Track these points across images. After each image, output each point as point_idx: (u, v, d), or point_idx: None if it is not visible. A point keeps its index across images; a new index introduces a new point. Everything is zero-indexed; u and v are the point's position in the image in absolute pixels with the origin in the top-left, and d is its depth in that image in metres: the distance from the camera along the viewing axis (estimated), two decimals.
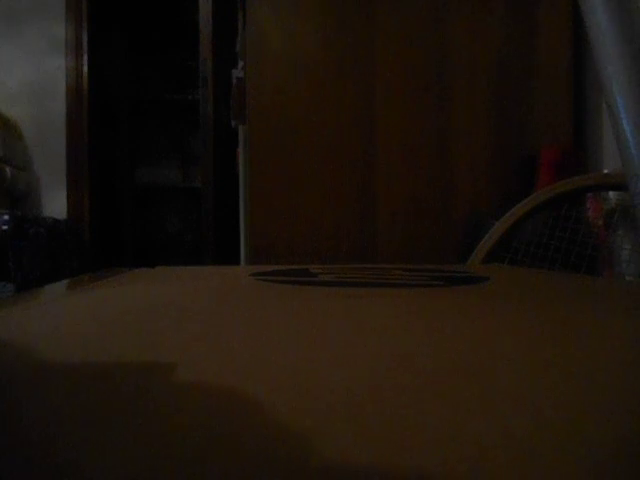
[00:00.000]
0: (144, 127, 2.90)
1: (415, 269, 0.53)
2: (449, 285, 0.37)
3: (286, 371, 0.14)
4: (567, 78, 1.15)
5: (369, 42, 1.12)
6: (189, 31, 2.74)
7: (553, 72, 1.15)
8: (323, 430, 0.10)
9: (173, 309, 0.26)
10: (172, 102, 2.83)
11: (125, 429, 0.10)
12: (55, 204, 2.35)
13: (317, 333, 0.20)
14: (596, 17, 0.50)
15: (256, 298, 0.31)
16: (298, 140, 1.11)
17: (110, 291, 0.35)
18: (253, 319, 0.23)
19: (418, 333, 0.20)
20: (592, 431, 0.10)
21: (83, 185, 2.37)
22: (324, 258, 1.10)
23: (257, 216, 1.10)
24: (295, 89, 1.11)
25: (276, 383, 0.13)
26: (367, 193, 1.12)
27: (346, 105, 1.11)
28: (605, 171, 0.98)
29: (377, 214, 1.12)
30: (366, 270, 0.51)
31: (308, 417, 0.11)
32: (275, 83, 1.10)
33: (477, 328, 0.21)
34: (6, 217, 1.75)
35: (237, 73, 1.32)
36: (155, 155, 2.92)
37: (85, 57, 2.36)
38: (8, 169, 2.07)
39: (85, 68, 2.36)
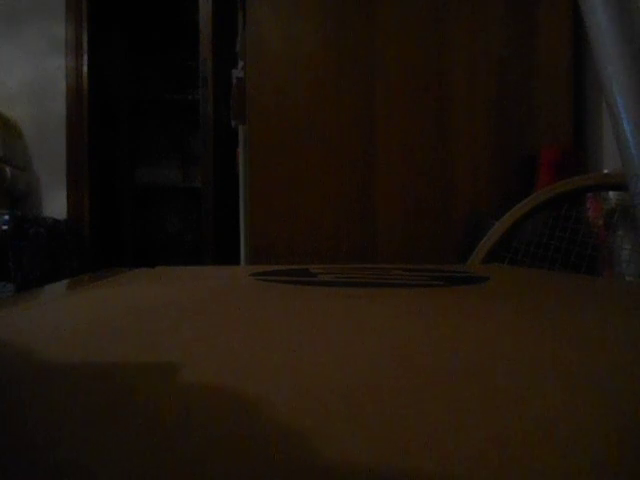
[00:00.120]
0: (144, 127, 2.90)
1: (415, 269, 0.53)
2: (449, 285, 0.37)
3: (286, 371, 0.14)
4: (567, 78, 1.15)
5: (369, 42, 1.12)
6: (189, 31, 2.74)
7: (553, 72, 1.15)
8: (323, 430, 0.10)
9: (173, 309, 0.26)
10: (172, 102, 2.83)
11: (125, 429, 0.10)
12: (55, 204, 2.35)
13: (317, 333, 0.20)
14: (596, 17, 0.50)
15: (256, 298, 0.31)
16: (298, 140, 1.11)
17: (110, 291, 0.35)
18: (253, 319, 0.23)
19: (418, 333, 0.20)
20: (592, 432, 0.10)
21: (83, 185, 2.37)
22: (324, 258, 1.10)
23: (257, 216, 1.10)
24: (295, 89, 1.11)
25: (276, 383, 0.13)
26: (367, 193, 1.12)
27: (346, 105, 1.11)
28: (605, 171, 0.98)
29: (377, 214, 1.12)
30: (366, 270, 0.51)
31: (308, 417, 0.11)
32: (275, 83, 1.10)
33: (477, 328, 0.21)
34: (6, 217, 1.75)
35: (237, 73, 1.32)
36: (155, 155, 2.92)
37: (85, 57, 2.36)
38: (8, 169, 2.07)
39: (85, 68, 2.36)
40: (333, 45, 1.11)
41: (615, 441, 0.10)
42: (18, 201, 2.28)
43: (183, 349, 0.17)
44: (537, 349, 0.17)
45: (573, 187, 0.82)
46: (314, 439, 0.10)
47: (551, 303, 0.29)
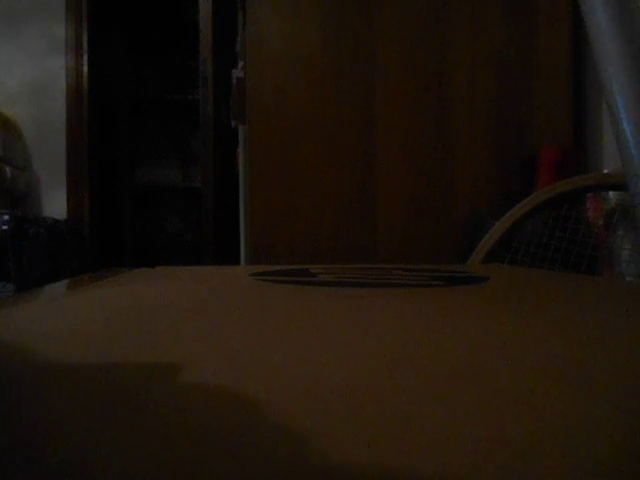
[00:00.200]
0: (144, 127, 2.90)
1: (415, 269, 0.53)
2: (449, 285, 0.37)
3: (286, 371, 0.14)
4: (567, 78, 1.15)
5: (369, 42, 1.12)
6: (189, 31, 2.74)
7: (553, 72, 1.15)
8: (323, 430, 0.10)
9: (173, 309, 0.26)
10: (172, 102, 2.83)
11: (125, 429, 0.10)
12: (55, 204, 2.35)
13: (317, 333, 0.20)
14: (596, 17, 0.50)
15: (256, 298, 0.31)
16: (298, 140, 1.11)
17: (110, 291, 0.35)
18: (253, 319, 0.23)
19: (418, 333, 0.20)
20: (592, 432, 0.10)
21: (83, 185, 2.37)
22: (324, 258, 1.10)
23: (257, 216, 1.10)
24: (295, 89, 1.11)
25: (276, 383, 0.13)
26: (367, 193, 1.12)
27: (346, 105, 1.11)
28: (605, 171, 0.98)
29: (377, 214, 1.12)
30: (366, 270, 0.51)
31: (308, 417, 0.11)
32: (275, 83, 1.10)
33: (477, 328, 0.21)
34: (6, 217, 1.75)
35: (237, 73, 1.32)
36: (155, 155, 2.92)
37: (85, 57, 2.36)
38: (8, 169, 2.07)
39: (85, 68, 2.36)
40: (333, 45, 1.11)
41: (615, 441, 0.10)
42: (18, 201, 2.28)
43: (183, 349, 0.17)
44: (537, 349, 0.17)
45: (573, 187, 0.82)
46: (314, 439, 0.10)
47: (551, 303, 0.29)
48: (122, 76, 2.81)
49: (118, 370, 0.14)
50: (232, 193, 2.11)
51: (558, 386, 0.13)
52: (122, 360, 0.16)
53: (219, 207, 2.54)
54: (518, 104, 1.15)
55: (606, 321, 0.23)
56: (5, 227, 1.74)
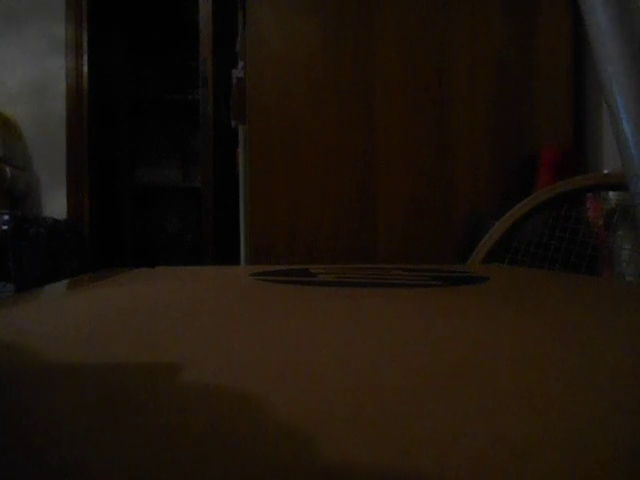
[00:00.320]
0: (144, 127, 2.90)
1: (415, 269, 0.53)
2: (449, 285, 0.37)
3: (286, 371, 0.14)
4: (567, 78, 1.15)
5: (369, 42, 1.12)
6: (189, 31, 2.74)
7: (553, 72, 1.15)
8: (323, 430, 0.10)
9: (173, 309, 0.26)
10: (172, 102, 2.83)
11: (125, 429, 0.10)
12: (55, 204, 2.35)
13: (317, 333, 0.20)
14: (596, 17, 0.50)
15: (256, 298, 0.31)
16: (298, 140, 1.11)
17: (110, 291, 0.35)
18: (253, 319, 0.23)
19: (418, 333, 0.20)
20: (592, 432, 0.10)
21: (83, 185, 2.37)
22: (324, 258, 1.10)
23: (257, 216, 1.10)
24: (295, 89, 1.11)
25: (276, 383, 0.13)
26: (367, 193, 1.12)
27: (346, 105, 1.11)
28: (605, 171, 0.98)
29: (377, 214, 1.12)
30: (366, 270, 0.51)
31: (308, 417, 0.11)
32: (275, 83, 1.10)
33: (477, 328, 0.21)
34: (6, 217, 1.75)
35: (237, 73, 1.32)
36: (155, 155, 2.92)
37: (85, 57, 2.36)
38: (8, 169, 2.07)
39: (85, 68, 2.36)
40: (333, 45, 1.11)
41: (615, 441, 0.10)
42: (18, 201, 2.28)
43: (183, 349, 0.17)
44: (537, 349, 0.17)
45: (573, 187, 0.82)
46: (314, 439, 0.10)
47: (551, 303, 0.29)
48: (122, 76, 2.81)
49: (118, 370, 0.14)
50: (232, 193, 2.11)
51: (558, 386, 0.13)
52: (122, 360, 0.16)
53: (219, 207, 2.54)
54: (518, 104, 1.15)
55: (606, 321, 0.23)
56: (5, 227, 1.74)
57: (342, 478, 0.08)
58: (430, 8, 1.12)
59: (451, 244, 1.12)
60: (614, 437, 0.10)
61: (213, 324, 0.22)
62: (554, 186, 0.84)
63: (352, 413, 0.11)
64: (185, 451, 0.09)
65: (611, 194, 0.87)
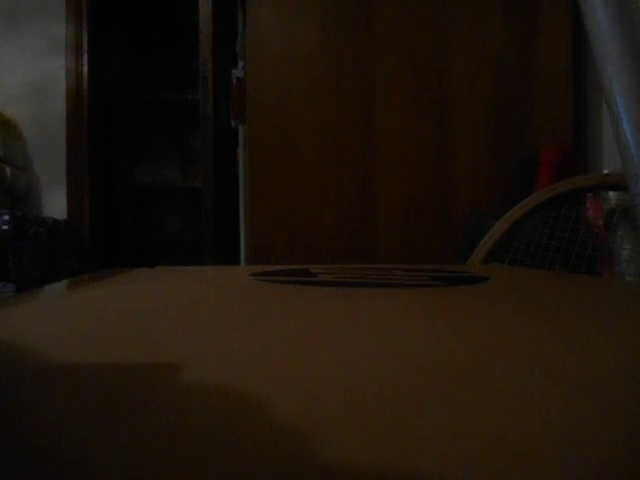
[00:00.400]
0: (144, 127, 2.90)
1: (415, 269, 0.53)
2: (449, 285, 0.37)
3: (286, 371, 0.14)
4: (567, 78, 1.15)
5: (369, 42, 1.12)
6: (189, 31, 2.74)
7: (553, 72, 1.15)
8: (323, 430, 0.10)
9: (173, 309, 0.26)
10: (172, 102, 2.83)
11: (125, 429, 0.10)
12: (55, 204, 2.35)
13: (317, 333, 0.20)
14: (596, 17, 0.50)
15: (256, 298, 0.31)
16: (298, 140, 1.11)
17: (110, 291, 0.35)
18: (253, 319, 0.23)
19: (418, 333, 0.20)
20: (592, 432, 0.10)
21: (83, 185, 2.37)
22: (324, 258, 1.10)
23: (257, 216, 1.10)
24: (295, 89, 1.11)
25: (276, 383, 0.13)
26: (367, 193, 1.12)
27: (346, 105, 1.11)
28: (605, 171, 0.98)
29: (377, 214, 1.12)
30: (366, 270, 0.51)
31: (308, 417, 0.11)
32: (275, 83, 1.10)
33: (477, 328, 0.21)
34: (6, 217, 1.75)
35: (237, 73, 1.32)
36: (155, 155, 2.92)
37: (85, 57, 2.36)
38: (8, 169, 2.07)
39: (85, 68, 2.36)
40: (333, 45, 1.11)
41: (615, 441, 0.10)
42: (18, 201, 2.28)
43: (183, 349, 0.17)
44: (537, 349, 0.17)
45: (573, 187, 0.82)
46: (314, 439, 0.10)
47: (551, 303, 0.29)
48: (122, 76, 2.81)
49: (118, 370, 0.14)
50: (232, 193, 2.11)
51: (558, 386, 0.13)
52: (122, 360, 0.16)
53: (219, 207, 2.54)
54: (518, 104, 1.15)
55: (606, 321, 0.23)
56: (5, 227, 1.74)
57: (342, 478, 0.08)
58: (430, 8, 1.12)
59: (451, 244, 1.12)
60: (614, 437, 0.10)
61: (213, 324, 0.22)
62: (554, 186, 0.84)
63: (352, 413, 0.11)
64: (185, 451, 0.09)
65: (611, 194, 0.87)
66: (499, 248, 0.85)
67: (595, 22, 0.50)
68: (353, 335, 0.19)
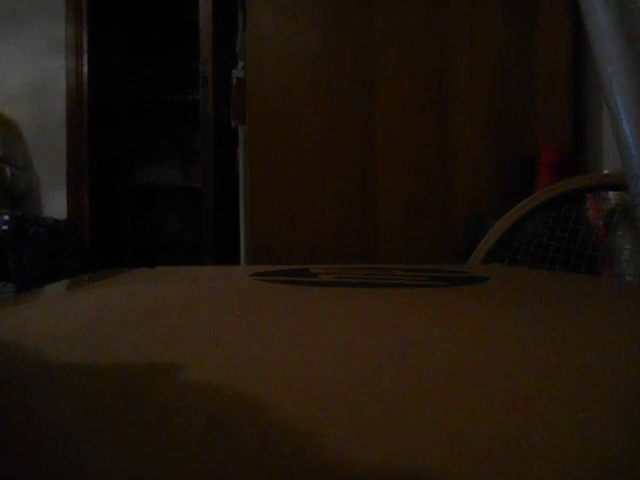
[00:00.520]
0: (144, 127, 2.90)
1: (415, 269, 0.53)
2: (449, 285, 0.37)
3: (286, 371, 0.14)
4: (567, 78, 1.15)
5: (369, 42, 1.12)
6: (189, 31, 2.74)
7: (553, 72, 1.15)
8: (323, 430, 0.10)
9: (173, 309, 0.26)
10: (172, 102, 2.83)
11: (125, 429, 0.10)
12: (55, 204, 2.35)
13: (317, 333, 0.20)
14: (596, 17, 0.50)
15: (256, 298, 0.31)
16: (298, 140, 1.11)
17: (110, 291, 0.35)
18: (253, 319, 0.23)
19: (418, 333, 0.20)
20: (592, 432, 0.10)
21: (83, 185, 2.37)
22: (324, 258, 1.10)
23: (257, 216, 1.10)
24: (295, 89, 1.11)
25: (276, 383, 0.13)
26: (367, 193, 1.12)
27: (346, 105, 1.11)
28: (605, 171, 0.98)
29: (377, 214, 1.12)
30: (366, 270, 0.51)
31: (308, 417, 0.11)
32: (275, 83, 1.10)
33: (477, 328, 0.21)
34: (6, 217, 1.75)
35: (237, 73, 1.32)
36: (155, 155, 2.92)
37: (85, 57, 2.36)
38: (8, 169, 2.07)
39: (85, 68, 2.36)
40: (333, 45, 1.11)
41: (615, 441, 0.10)
42: (18, 201, 2.28)
43: (183, 349, 0.17)
44: (537, 349, 0.17)
45: (573, 187, 0.82)
46: (314, 439, 0.10)
47: (551, 303, 0.29)
48: (122, 76, 2.81)
49: (118, 370, 0.14)
50: (232, 193, 2.11)
51: (558, 386, 0.13)
52: (122, 360, 0.16)
53: (219, 207, 2.54)
54: (518, 104, 1.15)
55: (606, 321, 0.23)
56: (5, 227, 1.74)
57: (342, 478, 0.08)
58: (430, 8, 1.12)
59: (451, 244, 1.12)
60: (614, 437, 0.10)
61: (213, 324, 0.22)
62: (554, 186, 0.84)
63: (352, 413, 0.11)
64: (185, 451, 0.09)
65: (611, 194, 0.87)
66: (499, 248, 0.85)
67: (595, 22, 0.50)
68: (353, 335, 0.19)
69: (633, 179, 0.49)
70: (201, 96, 2.50)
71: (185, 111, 2.84)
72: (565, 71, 1.15)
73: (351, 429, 0.10)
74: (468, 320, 0.23)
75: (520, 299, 0.31)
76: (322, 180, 1.11)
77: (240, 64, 1.38)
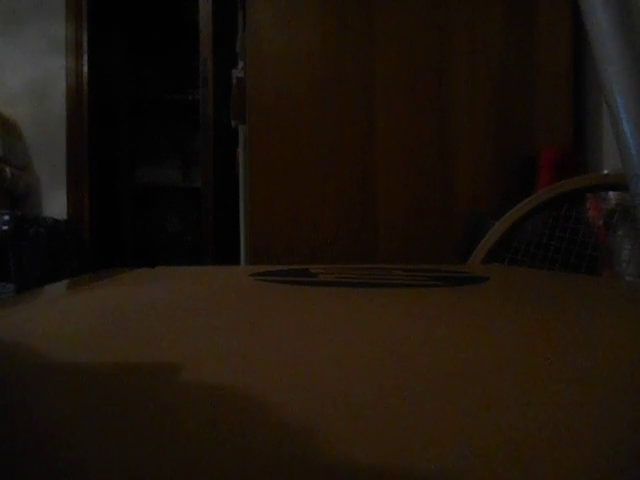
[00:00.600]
0: (144, 127, 2.90)
1: (415, 269, 0.53)
2: (449, 285, 0.37)
3: (286, 371, 0.14)
4: (567, 78, 1.15)
5: (369, 42, 1.12)
6: (189, 31, 2.74)
7: (553, 72, 1.15)
8: (323, 430, 0.10)
9: (173, 309, 0.26)
10: (172, 102, 2.83)
11: (125, 429, 0.10)
12: (55, 204, 2.35)
13: (317, 333, 0.20)
14: (596, 17, 0.50)
15: (256, 298, 0.31)
16: (298, 140, 1.11)
17: (110, 291, 0.35)
18: (253, 319, 0.23)
19: (418, 333, 0.20)
20: (592, 432, 0.10)
21: (83, 185, 2.37)
22: (324, 258, 1.10)
23: (257, 216, 1.10)
24: (295, 89, 1.11)
25: (276, 383, 0.13)
26: (367, 193, 1.12)
27: (346, 105, 1.11)
28: (605, 171, 0.98)
29: (377, 214, 1.12)
30: (366, 270, 0.51)
31: (308, 417, 0.11)
32: (275, 83, 1.10)
33: (477, 328, 0.21)
34: (6, 217, 1.75)
35: (237, 73, 1.32)
36: (155, 155, 2.92)
37: (85, 57, 2.36)
38: (8, 169, 2.07)
39: (85, 68, 2.36)
40: (333, 45, 1.11)
41: (615, 441, 0.10)
42: (18, 201, 2.28)
43: (183, 349, 0.17)
44: (537, 349, 0.17)
45: (573, 187, 0.82)
46: (314, 439, 0.10)
47: (551, 303, 0.29)
48: (122, 76, 2.81)
49: (118, 370, 0.14)
50: (232, 193, 2.11)
51: (558, 386, 0.13)
52: (122, 360, 0.16)
53: (219, 207, 2.54)
54: (518, 104, 1.15)
55: (606, 321, 0.23)
56: (5, 227, 1.74)
57: (342, 477, 0.08)
58: (430, 8, 1.12)
59: (451, 244, 1.12)
60: (614, 437, 0.10)
61: (213, 324, 0.22)
62: (554, 186, 0.84)
63: (352, 413, 0.11)
64: (185, 451, 0.09)
65: (611, 194, 0.87)
66: (499, 248, 0.85)
67: (595, 22, 0.50)
68: (353, 335, 0.19)
69: (633, 179, 0.49)
70: (201, 96, 2.50)
71: (185, 111, 2.84)
72: (565, 71, 1.15)
73: (351, 429, 0.10)
74: (468, 320, 0.23)
75: (520, 299, 0.31)
76: (322, 180, 1.11)
77: (240, 64, 1.38)
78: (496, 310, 0.26)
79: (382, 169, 1.12)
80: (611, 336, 0.20)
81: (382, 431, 0.10)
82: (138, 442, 0.09)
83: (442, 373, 0.14)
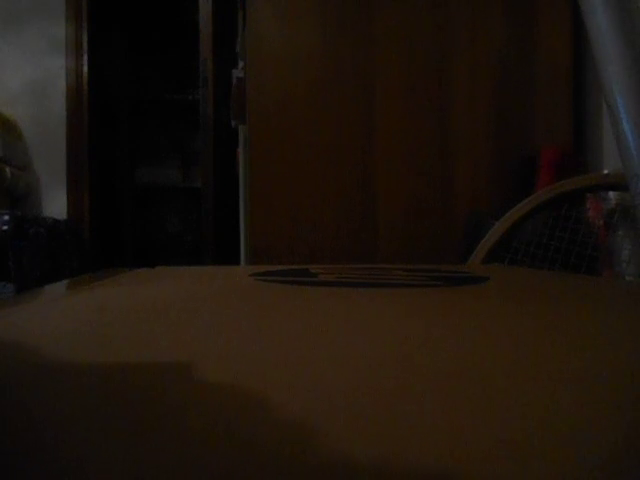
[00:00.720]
0: (144, 127, 2.90)
1: (415, 269, 0.53)
2: (449, 285, 0.37)
3: (286, 371, 0.14)
4: (567, 78, 1.15)
5: (369, 42, 1.12)
6: (189, 31, 2.74)
7: (553, 72, 1.15)
8: (323, 430, 0.10)
9: (173, 309, 0.26)
10: (172, 102, 2.83)
11: (126, 429, 0.10)
12: (55, 204, 2.35)
13: (317, 333, 0.20)
14: (596, 18, 0.50)
15: (256, 298, 0.31)
16: (298, 140, 1.11)
17: (110, 291, 0.35)
18: (253, 319, 0.23)
19: (418, 333, 0.20)
20: (592, 432, 0.10)
21: (83, 185, 2.37)
22: (324, 258, 1.10)
23: (257, 216, 1.10)
24: (295, 89, 1.11)
25: (276, 383, 0.13)
26: (367, 193, 1.12)
27: (346, 105, 1.11)
28: (605, 171, 0.98)
29: (377, 214, 1.12)
30: (366, 270, 0.51)
31: (308, 417, 0.11)
32: (275, 83, 1.10)
33: (477, 328, 0.21)
34: (6, 217, 1.75)
35: (237, 73, 1.32)
36: (155, 155, 2.92)
37: (85, 57, 2.36)
38: (8, 169, 2.07)
39: (85, 68, 2.36)
40: (333, 46, 1.11)
41: (615, 441, 0.10)
42: (18, 201, 2.28)
43: (183, 349, 0.17)
44: (537, 349, 0.17)
45: (573, 187, 0.82)
46: (314, 438, 0.10)
47: (551, 303, 0.29)
48: (122, 76, 2.81)
49: (118, 370, 0.14)
50: (232, 193, 2.11)
51: (558, 386, 0.13)
52: (122, 360, 0.16)
53: (219, 207, 2.54)
54: (518, 104, 1.15)
55: (606, 321, 0.23)
56: (5, 227, 1.74)
57: (342, 477, 0.08)
58: (430, 9, 1.12)
59: (451, 244, 1.12)
60: (614, 437, 0.10)
61: (213, 324, 0.22)
62: (554, 186, 0.84)
63: (352, 413, 0.11)
64: (185, 451, 0.09)
65: (611, 194, 0.87)
66: (499, 248, 0.85)
67: (595, 22, 0.50)
68: (353, 335, 0.19)
69: (633, 179, 0.49)
70: (201, 96, 2.50)
71: (185, 111, 2.84)
72: (565, 71, 1.15)
73: (351, 429, 0.10)
74: (468, 320, 0.23)
75: (520, 299, 0.31)
76: (322, 180, 1.11)
77: (240, 64, 1.38)
78: (496, 310, 0.26)
79: (382, 169, 1.12)
80: (611, 336, 0.20)
81: (382, 431, 0.10)
82: (138, 442, 0.09)
83: (442, 373, 0.14)
